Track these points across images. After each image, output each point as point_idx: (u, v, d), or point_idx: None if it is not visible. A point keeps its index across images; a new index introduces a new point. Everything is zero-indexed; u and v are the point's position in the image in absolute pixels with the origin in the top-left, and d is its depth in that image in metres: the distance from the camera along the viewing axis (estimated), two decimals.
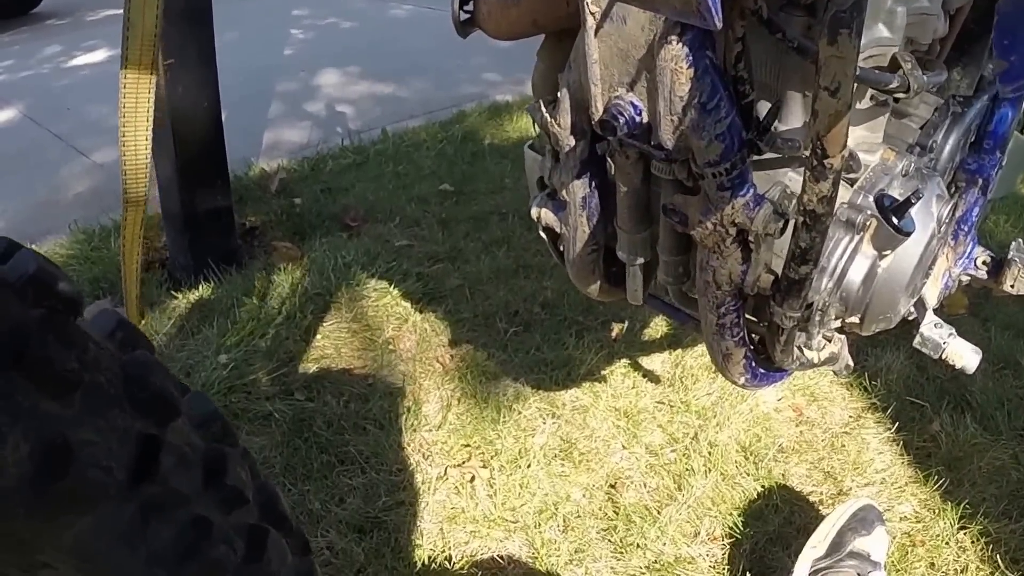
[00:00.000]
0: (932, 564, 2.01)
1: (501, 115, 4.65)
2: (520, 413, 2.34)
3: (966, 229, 1.72)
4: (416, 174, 3.87)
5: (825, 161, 0.93)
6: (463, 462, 2.21)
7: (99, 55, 6.28)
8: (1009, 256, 1.78)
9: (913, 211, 1.25)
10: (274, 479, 2.12)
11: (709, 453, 2.23)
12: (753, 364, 1.36)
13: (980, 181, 1.66)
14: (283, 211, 3.46)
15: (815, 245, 1.04)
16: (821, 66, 0.82)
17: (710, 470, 2.19)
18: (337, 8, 7.64)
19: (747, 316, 1.31)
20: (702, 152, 1.01)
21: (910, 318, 1.62)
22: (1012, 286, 1.79)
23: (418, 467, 2.19)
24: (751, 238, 1.10)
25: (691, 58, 0.95)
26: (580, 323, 2.68)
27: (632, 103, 1.05)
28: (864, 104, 1.26)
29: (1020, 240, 1.79)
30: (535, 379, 2.46)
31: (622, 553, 2.00)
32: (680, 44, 0.94)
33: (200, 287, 2.90)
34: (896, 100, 1.27)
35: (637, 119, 1.06)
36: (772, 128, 1.08)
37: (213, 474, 0.93)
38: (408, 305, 2.77)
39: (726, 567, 1.99)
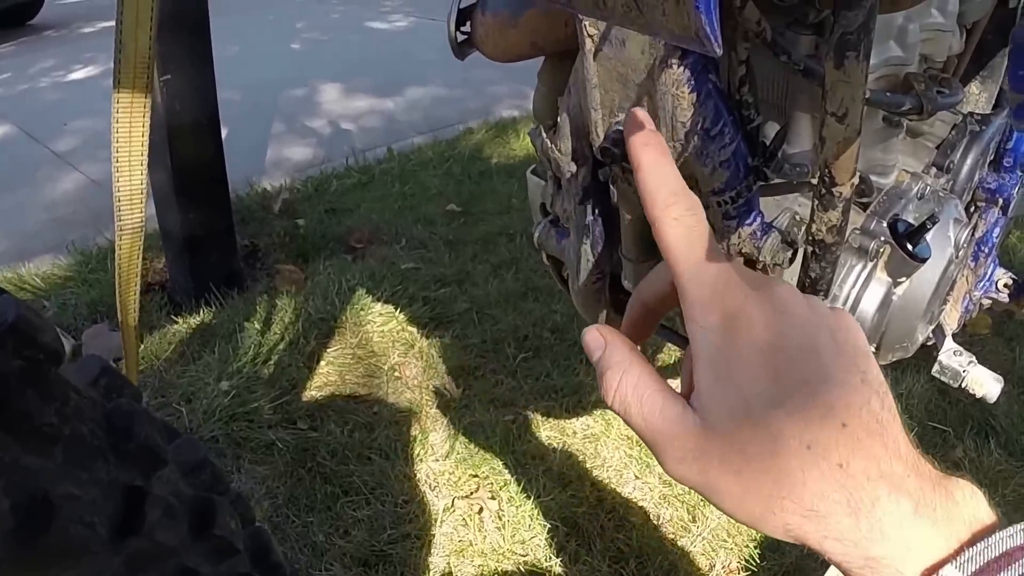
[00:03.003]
0: None
1: (507, 132, 4.61)
2: (530, 442, 2.29)
3: (986, 251, 1.67)
4: (422, 194, 3.84)
5: (834, 189, 0.87)
6: (471, 493, 2.16)
7: (95, 68, 6.27)
8: None
9: (929, 236, 1.20)
10: (277, 510, 2.09)
11: None
12: None
13: (1000, 201, 1.61)
14: (286, 232, 3.42)
15: (825, 275, 0.98)
16: (827, 91, 0.77)
17: None
18: (339, 21, 7.65)
19: None
20: (706, 180, 0.96)
21: (929, 343, 1.57)
22: None
23: (425, 498, 2.14)
24: (759, 269, 1.04)
25: (693, 82, 0.90)
26: None
27: None
28: (876, 125, 1.21)
29: None
30: (545, 406, 2.41)
31: None
32: (681, 68, 0.89)
33: (201, 311, 2.86)
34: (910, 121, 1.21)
35: None
36: (779, 153, 1.02)
37: (201, 524, 0.91)
38: (414, 330, 2.72)
39: None
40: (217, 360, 2.55)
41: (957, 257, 1.28)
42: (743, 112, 0.96)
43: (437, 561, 1.99)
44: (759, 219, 1.01)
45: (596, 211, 1.20)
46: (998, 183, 1.60)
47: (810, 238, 0.96)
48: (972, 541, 0.50)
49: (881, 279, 1.20)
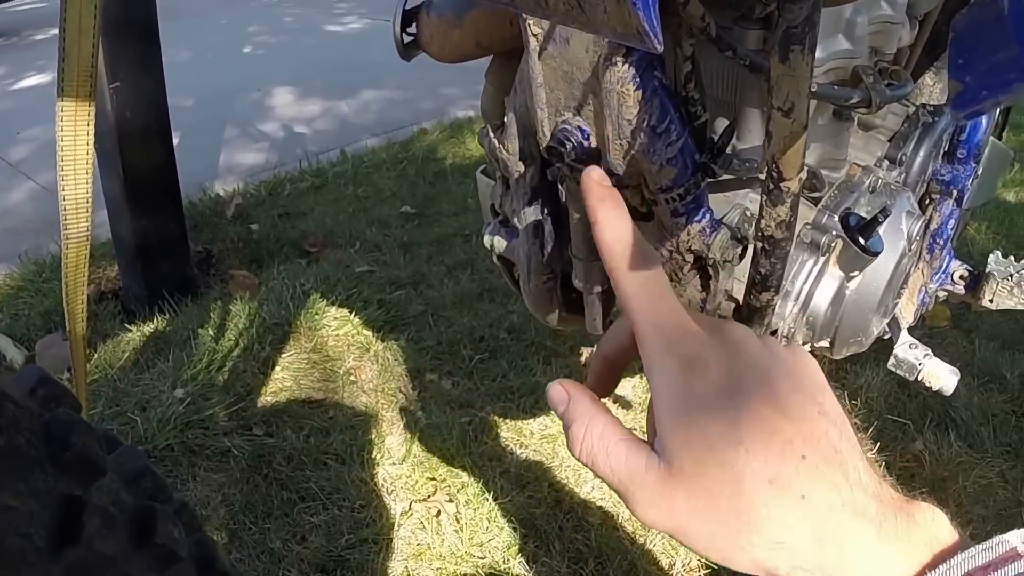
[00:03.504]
0: None
1: (462, 132, 4.60)
2: (487, 444, 2.28)
3: (942, 243, 1.67)
4: (376, 196, 3.82)
5: (782, 184, 0.86)
6: (428, 496, 2.15)
7: (47, 76, 6.15)
8: (987, 270, 1.73)
9: (881, 229, 1.19)
10: (233, 517, 2.07)
11: None
12: None
13: (955, 192, 1.61)
14: (239, 237, 3.39)
15: (775, 271, 0.98)
16: (773, 85, 0.76)
17: None
18: (292, 24, 7.61)
19: None
20: (654, 177, 0.95)
21: (885, 337, 1.57)
22: (991, 300, 1.74)
23: (382, 502, 2.12)
24: (709, 265, 1.04)
25: (638, 80, 0.89)
26: (548, 348, 2.62)
27: (579, 127, 0.99)
28: (826, 119, 1.21)
29: (998, 253, 1.74)
30: (502, 407, 2.40)
31: None
32: (626, 65, 0.88)
33: (155, 318, 2.83)
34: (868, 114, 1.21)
35: (585, 144, 0.99)
36: (728, 149, 1.01)
37: (142, 533, 0.90)
38: (369, 334, 2.70)
39: None
40: (171, 368, 2.52)
41: (910, 250, 1.27)
42: (690, 108, 0.94)
43: (395, 565, 1.97)
44: (708, 216, 1.00)
45: (545, 210, 1.19)
46: (952, 175, 1.61)
47: (759, 234, 0.95)
48: (934, 563, 0.51)
49: (834, 274, 1.19)
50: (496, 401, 2.43)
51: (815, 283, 1.17)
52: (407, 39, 1.24)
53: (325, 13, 7.95)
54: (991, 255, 1.75)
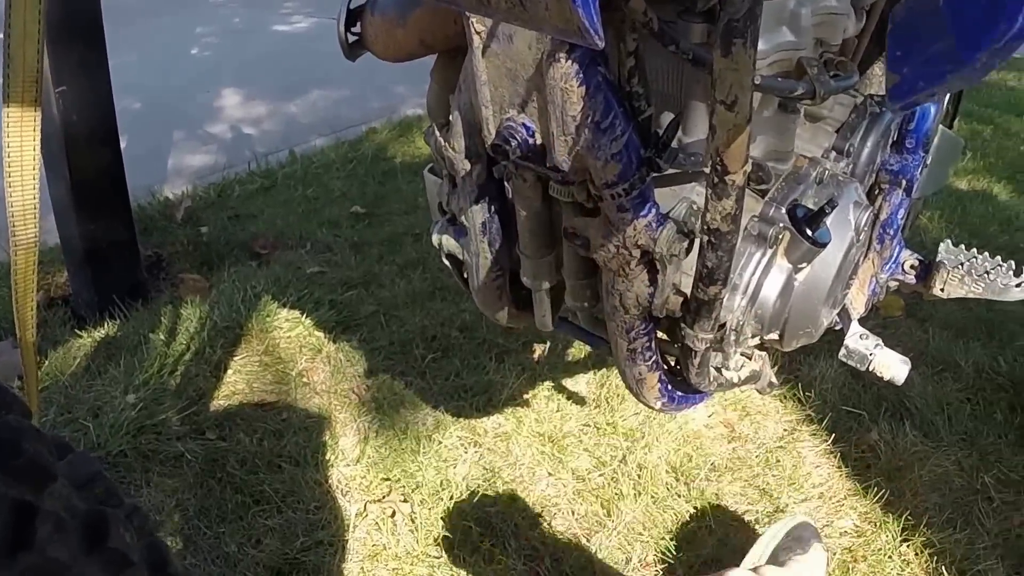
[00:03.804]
0: None
1: (412, 131, 4.59)
2: (440, 443, 2.27)
3: (892, 232, 1.68)
4: (326, 197, 3.81)
5: (726, 178, 0.87)
6: (383, 497, 2.14)
7: None
8: (937, 259, 1.75)
9: (829, 220, 1.20)
10: (188, 522, 2.05)
11: (638, 476, 2.18)
12: (669, 387, 1.31)
13: (903, 182, 1.63)
14: (189, 241, 3.36)
15: (722, 264, 0.98)
16: (716, 79, 0.77)
17: (640, 493, 2.14)
18: (240, 25, 7.55)
19: (662, 337, 1.25)
20: (599, 173, 0.95)
21: (837, 328, 1.58)
22: (942, 289, 1.76)
23: (336, 504, 2.11)
24: (656, 260, 1.04)
25: (582, 75, 0.89)
26: (500, 346, 2.62)
27: (524, 124, 0.99)
28: (772, 112, 1.21)
29: (949, 241, 1.76)
30: (455, 406, 2.40)
31: None
32: (569, 61, 0.88)
33: (105, 324, 2.80)
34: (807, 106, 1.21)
35: (530, 141, 1.00)
36: (673, 143, 1.01)
37: (94, 538, 0.90)
38: (321, 335, 2.69)
39: None
40: (123, 373, 2.49)
41: (858, 240, 1.29)
42: (634, 103, 0.95)
43: (351, 567, 1.97)
44: (654, 210, 1.00)
45: (492, 208, 1.19)
46: (901, 164, 1.62)
47: (705, 227, 0.95)
48: None
49: (781, 265, 1.21)
50: (449, 400, 2.42)
51: (763, 275, 1.18)
52: (352, 39, 1.23)
53: (273, 13, 7.89)
54: (942, 244, 1.76)
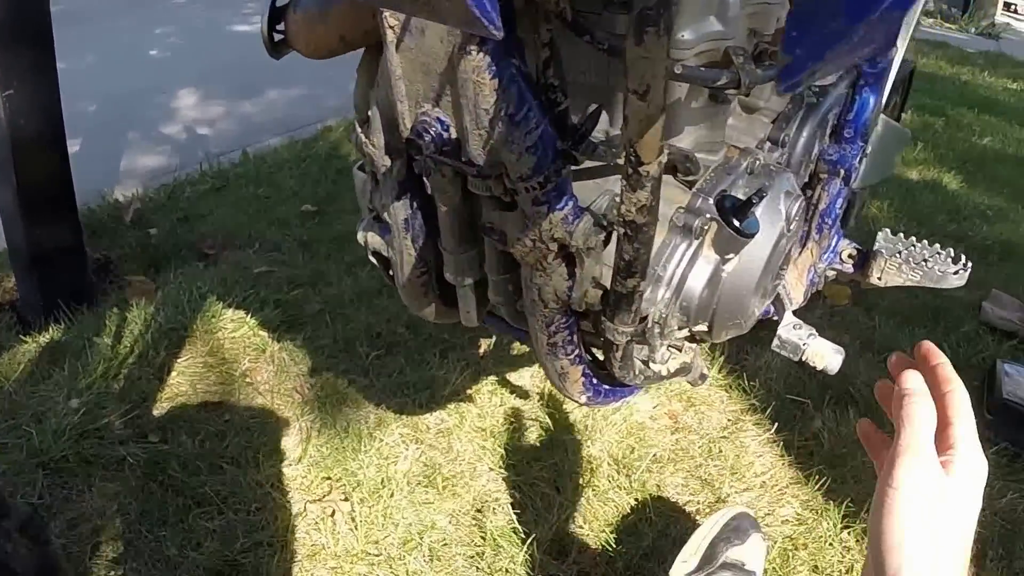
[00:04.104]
0: (816, 567, 1.99)
1: None
2: (382, 440, 2.27)
3: (830, 222, 1.69)
4: (277, 196, 3.79)
5: (640, 169, 0.86)
6: (323, 496, 2.13)
7: None
8: (875, 248, 1.76)
9: (758, 211, 1.20)
10: (129, 526, 2.03)
11: (580, 469, 2.19)
12: (594, 381, 1.30)
13: (842, 172, 1.63)
14: (138, 243, 3.33)
15: (640, 257, 0.98)
16: (628, 68, 0.76)
17: (581, 486, 2.15)
18: (198, 25, 7.48)
19: (586, 330, 1.25)
20: (514, 166, 0.95)
21: (776, 318, 1.59)
22: (879, 278, 1.77)
23: (277, 504, 2.10)
24: (573, 252, 1.04)
25: (494, 68, 0.89)
26: (445, 341, 2.62)
27: (439, 119, 0.99)
28: (701, 102, 1.21)
29: (887, 230, 1.77)
30: (398, 403, 2.39)
31: None
32: (481, 54, 0.88)
33: (51, 329, 2.76)
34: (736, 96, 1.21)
35: (445, 135, 0.99)
36: (600, 135, 1.01)
37: None
38: (266, 335, 2.67)
39: None
40: (67, 378, 2.46)
41: (789, 230, 1.28)
42: (549, 96, 0.94)
43: (290, 567, 1.96)
44: (571, 203, 1.00)
45: (414, 204, 1.18)
46: (840, 154, 1.62)
47: (620, 220, 0.95)
48: None
49: (708, 256, 1.20)
50: (392, 397, 2.42)
51: (688, 267, 1.18)
52: (278, 37, 1.22)
53: (235, 13, 7.83)
54: (880, 232, 1.78)
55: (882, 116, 2.09)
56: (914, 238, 1.75)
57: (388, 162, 1.15)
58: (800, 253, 1.70)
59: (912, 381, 0.86)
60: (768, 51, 1.38)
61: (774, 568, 1.97)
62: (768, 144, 1.41)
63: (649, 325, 1.15)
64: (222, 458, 2.21)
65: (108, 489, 2.12)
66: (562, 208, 0.99)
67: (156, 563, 1.94)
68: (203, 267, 3.11)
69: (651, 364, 1.26)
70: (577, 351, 1.22)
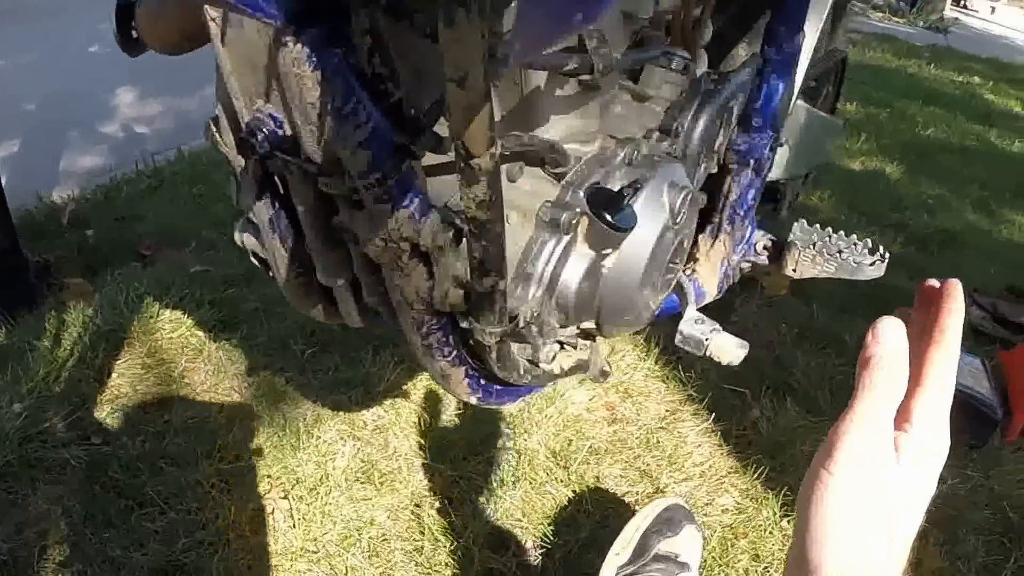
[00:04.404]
0: (756, 556, 1.99)
1: None
2: (319, 438, 2.25)
3: (742, 213, 1.66)
4: (213, 194, 3.74)
5: (472, 162, 0.81)
6: (263, 494, 2.11)
7: None
8: (790, 238, 1.73)
9: (638, 203, 1.16)
10: (73, 529, 2.02)
11: (517, 462, 2.17)
12: (482, 381, 1.26)
13: (752, 162, 1.60)
14: (75, 244, 3.29)
15: (490, 254, 0.93)
16: (443, 54, 0.71)
17: (518, 479, 2.13)
18: None
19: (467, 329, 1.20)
20: (349, 163, 0.89)
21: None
22: (794, 270, 1.75)
23: (217, 503, 2.08)
24: (425, 252, 0.99)
25: (314, 59, 0.83)
26: (378, 337, 2.60)
27: (271, 115, 0.94)
28: (570, 90, 1.17)
29: (803, 221, 1.74)
30: (334, 400, 2.37)
31: (429, 574, 1.93)
32: (298, 45, 0.82)
33: None
34: (595, 81, 1.16)
35: (280, 132, 0.94)
36: (433, 127, 0.96)
37: None
38: (202, 334, 2.64)
39: None
40: (9, 383, 2.43)
41: (676, 223, 1.24)
42: (380, 86, 0.89)
43: (230, 566, 1.94)
44: (418, 200, 0.95)
45: (276, 204, 1.13)
46: (748, 144, 1.59)
47: (463, 217, 0.90)
48: None
49: (583, 252, 1.16)
50: (329, 394, 2.40)
51: (560, 263, 1.14)
52: (136, 34, 1.18)
53: None
54: (795, 223, 1.75)
55: (805, 105, 2.07)
56: (830, 229, 1.73)
57: (241, 161, 1.11)
58: (712, 245, 1.68)
59: (884, 338, 0.72)
60: (650, 35, 1.34)
61: (713, 558, 1.96)
62: (657, 134, 1.37)
63: (522, 324, 1.10)
64: (163, 458, 2.19)
65: (52, 492, 2.10)
66: (407, 205, 0.94)
67: (101, 565, 1.93)
68: (140, 267, 3.07)
69: (539, 363, 1.22)
70: (455, 352, 1.17)
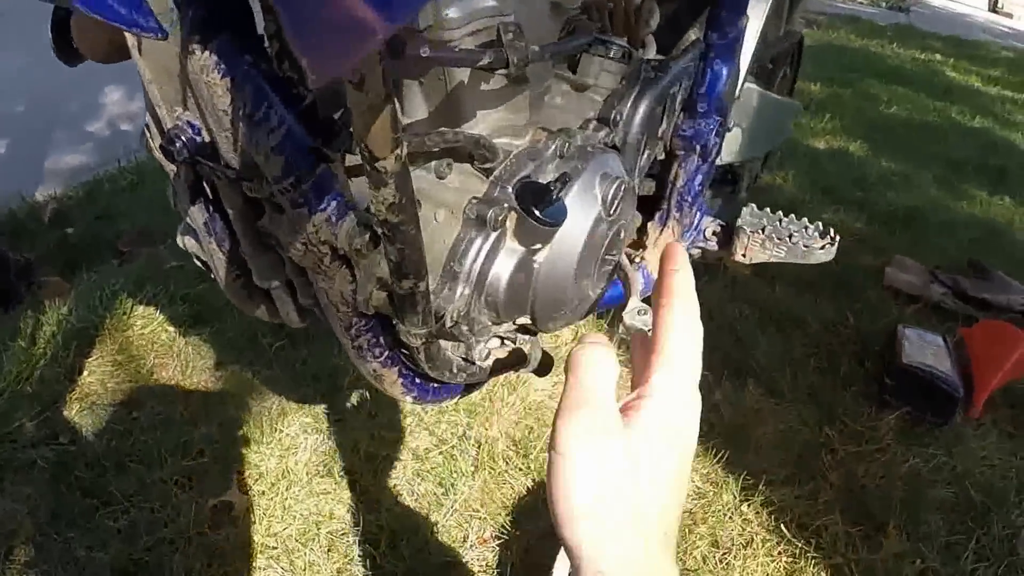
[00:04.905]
0: (715, 541, 1.99)
1: None
2: (283, 432, 2.27)
3: (690, 199, 1.65)
4: None
5: (377, 165, 0.82)
6: (225, 490, 2.12)
7: None
8: (739, 223, 1.73)
9: (569, 196, 1.16)
10: (40, 529, 2.03)
11: (477, 452, 2.18)
12: (417, 380, 1.26)
13: (698, 147, 1.59)
14: (56, 243, 3.31)
15: (406, 256, 0.93)
16: None
17: (478, 469, 2.15)
18: None
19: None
20: (264, 168, 0.90)
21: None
22: (744, 255, 1.75)
23: (179, 501, 2.10)
24: (342, 254, 1.00)
25: (223, 66, 0.84)
26: None
27: (190, 123, 0.95)
28: (497, 84, 1.16)
29: (753, 205, 1.75)
30: (300, 394, 2.39)
31: (385, 568, 1.94)
32: (206, 52, 0.84)
33: None
34: (516, 75, 1.15)
35: (198, 139, 0.96)
36: (349, 130, 0.96)
37: None
38: (173, 330, 2.66)
39: (496, 570, 1.94)
40: None
41: (610, 214, 1.23)
42: (291, 91, 0.90)
43: (191, 563, 1.96)
44: (335, 203, 0.95)
45: (210, 208, 1.14)
46: (694, 130, 1.59)
47: (376, 220, 0.91)
48: None
49: (512, 248, 1.14)
50: (295, 388, 2.42)
51: (488, 261, 1.12)
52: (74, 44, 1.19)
53: None
54: (745, 208, 1.75)
55: (757, 88, 2.06)
56: (780, 212, 1.73)
57: (173, 167, 1.12)
58: (661, 232, 1.67)
59: (592, 338, 0.77)
60: (583, 26, 1.34)
61: None
62: (595, 123, 1.36)
63: (449, 324, 1.10)
64: (128, 457, 2.21)
65: (20, 493, 2.12)
66: (324, 208, 0.94)
67: (66, 564, 1.95)
68: (117, 265, 3.08)
69: (473, 361, 1.22)
70: (387, 352, 1.17)
